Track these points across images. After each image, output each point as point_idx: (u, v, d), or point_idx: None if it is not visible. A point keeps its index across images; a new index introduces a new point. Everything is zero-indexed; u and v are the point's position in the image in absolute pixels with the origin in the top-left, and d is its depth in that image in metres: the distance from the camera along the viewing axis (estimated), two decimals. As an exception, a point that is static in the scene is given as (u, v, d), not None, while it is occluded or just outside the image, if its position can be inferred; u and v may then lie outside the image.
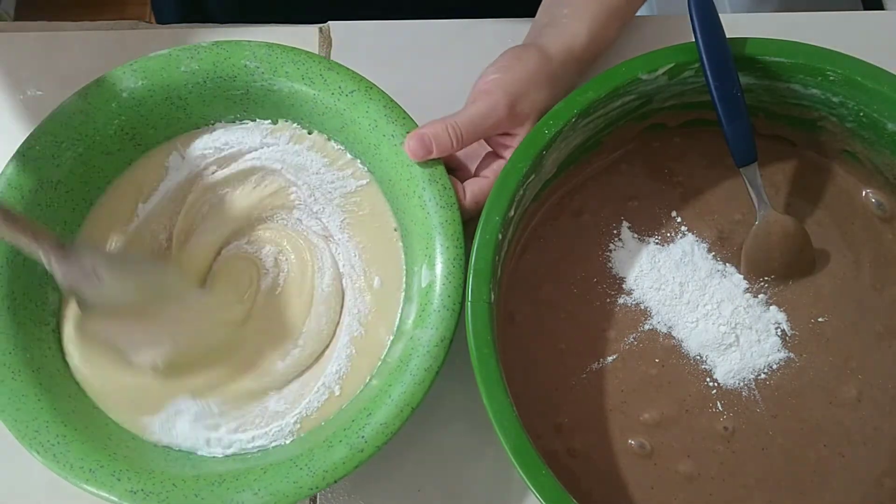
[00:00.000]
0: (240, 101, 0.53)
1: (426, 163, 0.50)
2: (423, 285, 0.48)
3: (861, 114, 0.50)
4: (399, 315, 0.51)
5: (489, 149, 0.53)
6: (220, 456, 0.49)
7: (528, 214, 0.53)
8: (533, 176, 0.49)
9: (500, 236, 0.46)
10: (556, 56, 0.52)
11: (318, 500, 0.52)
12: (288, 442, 0.49)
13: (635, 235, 0.54)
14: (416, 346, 0.47)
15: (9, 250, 0.48)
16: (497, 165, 0.51)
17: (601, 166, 0.55)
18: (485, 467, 0.52)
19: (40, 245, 0.44)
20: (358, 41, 0.62)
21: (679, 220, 0.54)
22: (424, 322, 0.47)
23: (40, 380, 0.48)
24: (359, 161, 0.54)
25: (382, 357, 0.50)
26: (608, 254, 0.54)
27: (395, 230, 0.52)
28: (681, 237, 0.54)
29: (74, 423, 0.47)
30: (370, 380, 0.50)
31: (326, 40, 0.62)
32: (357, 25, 0.63)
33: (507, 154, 0.51)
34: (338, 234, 0.53)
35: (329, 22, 0.63)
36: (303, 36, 0.62)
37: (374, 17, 0.63)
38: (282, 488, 0.45)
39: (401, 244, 0.52)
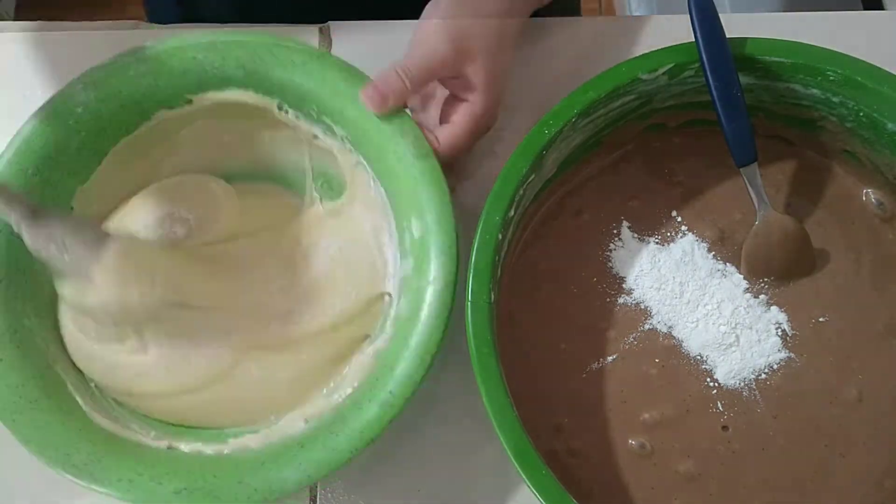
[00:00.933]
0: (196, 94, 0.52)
1: (393, 117, 0.50)
2: (416, 236, 0.48)
3: (861, 114, 0.50)
4: (391, 269, 0.52)
5: (447, 92, 0.53)
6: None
7: (528, 214, 0.53)
8: (533, 176, 0.49)
9: (500, 236, 0.46)
10: None
11: (318, 500, 0.52)
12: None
13: (635, 235, 0.54)
14: (422, 296, 0.47)
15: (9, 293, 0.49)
16: (462, 108, 0.51)
17: (601, 166, 0.55)
18: (485, 467, 0.52)
19: (12, 210, 0.44)
20: (358, 41, 0.62)
21: (679, 219, 0.54)
22: (425, 272, 0.48)
23: (60, 405, 0.48)
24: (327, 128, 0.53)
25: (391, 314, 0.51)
26: (608, 253, 0.54)
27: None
28: (681, 237, 0.54)
29: (101, 438, 0.47)
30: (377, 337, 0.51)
31: (326, 40, 0.62)
32: (357, 25, 0.63)
33: (468, 95, 0.51)
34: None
35: (329, 22, 0.63)
36: (303, 36, 0.62)
37: (375, 17, 0.63)
38: (322, 457, 0.45)
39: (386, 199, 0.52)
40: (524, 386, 0.49)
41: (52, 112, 0.50)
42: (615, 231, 0.54)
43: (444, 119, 0.52)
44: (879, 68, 0.49)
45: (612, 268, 0.53)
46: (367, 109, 0.49)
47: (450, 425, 0.53)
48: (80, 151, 0.51)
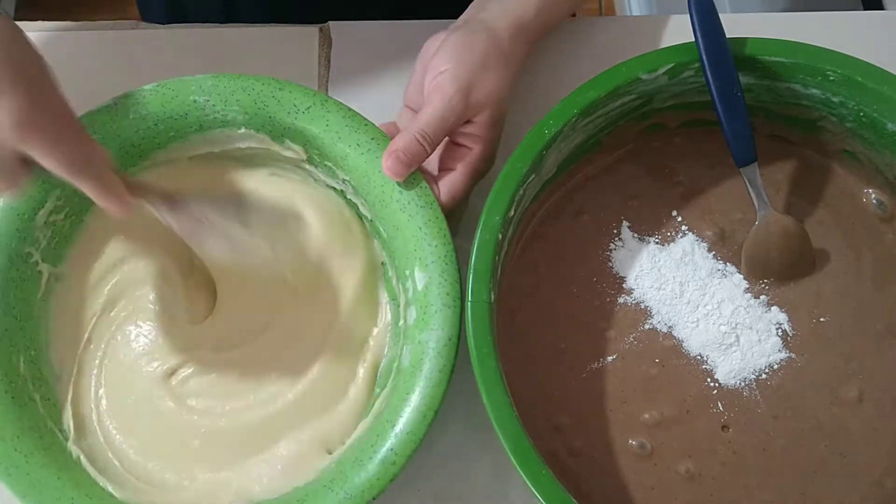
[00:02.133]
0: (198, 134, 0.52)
1: None
2: (420, 287, 0.48)
3: (861, 114, 0.50)
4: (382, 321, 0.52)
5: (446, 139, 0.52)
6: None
7: (528, 214, 0.53)
8: (533, 176, 0.49)
9: (500, 236, 0.46)
10: (504, 33, 0.51)
11: None
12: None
13: (636, 235, 0.54)
14: (425, 350, 0.47)
15: None
16: (464, 157, 0.51)
17: (601, 166, 0.55)
18: (485, 467, 0.52)
19: (151, 200, 0.46)
20: (358, 41, 0.62)
21: (679, 219, 0.54)
22: (428, 324, 0.47)
23: (55, 458, 0.48)
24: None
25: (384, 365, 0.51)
26: (608, 253, 0.54)
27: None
28: (681, 236, 0.54)
29: (99, 491, 0.47)
30: (378, 391, 0.51)
31: (326, 40, 0.62)
32: (357, 25, 0.63)
33: (469, 143, 0.50)
34: None
35: (329, 22, 0.63)
36: (303, 36, 0.62)
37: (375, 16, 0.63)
38: None
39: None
40: (524, 386, 0.49)
41: None
42: (615, 231, 0.54)
43: (444, 165, 0.52)
44: (879, 68, 0.49)
45: (612, 268, 0.53)
46: (369, 158, 0.50)
47: (450, 425, 0.53)
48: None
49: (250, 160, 0.54)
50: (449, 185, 0.50)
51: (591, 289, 0.53)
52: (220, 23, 0.65)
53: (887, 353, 0.51)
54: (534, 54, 0.61)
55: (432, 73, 0.50)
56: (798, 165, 0.55)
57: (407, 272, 0.49)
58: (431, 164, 0.53)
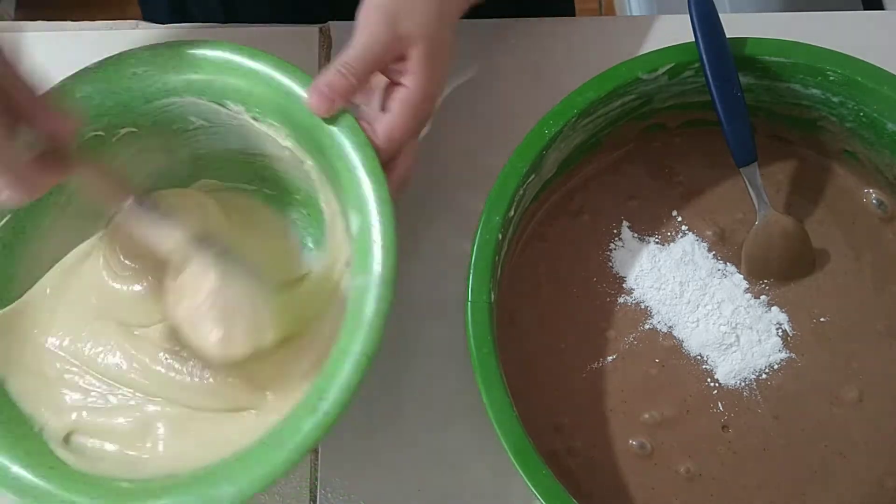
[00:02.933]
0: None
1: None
2: (355, 232, 0.46)
3: (861, 114, 0.50)
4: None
5: (386, 80, 0.50)
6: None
7: (528, 214, 0.53)
8: (533, 176, 0.49)
9: (500, 236, 0.46)
10: None
11: (318, 500, 0.52)
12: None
13: (635, 235, 0.54)
14: (363, 295, 0.44)
15: None
16: (399, 94, 0.48)
17: (601, 166, 0.55)
18: (485, 467, 0.52)
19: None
20: None
21: (679, 219, 0.54)
22: (366, 267, 0.45)
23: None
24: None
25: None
26: (608, 253, 0.54)
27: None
28: (681, 236, 0.54)
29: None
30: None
31: (326, 40, 0.62)
32: None
33: (405, 80, 0.48)
34: None
35: (329, 22, 0.63)
36: (303, 36, 0.62)
37: None
38: (259, 473, 0.43)
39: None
40: (524, 386, 0.49)
41: None
42: (615, 231, 0.54)
43: (383, 106, 0.49)
44: (879, 68, 0.49)
45: (612, 267, 0.53)
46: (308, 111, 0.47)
47: (450, 426, 0.53)
48: None
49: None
50: (385, 124, 0.47)
51: (591, 289, 0.53)
52: (221, 22, 0.65)
53: (887, 354, 0.51)
54: (533, 54, 0.61)
55: (362, 4, 0.48)
56: (798, 165, 0.55)
57: (348, 219, 0.47)
58: (374, 111, 0.50)
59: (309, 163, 0.51)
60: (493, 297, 0.46)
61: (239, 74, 0.49)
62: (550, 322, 0.52)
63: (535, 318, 0.52)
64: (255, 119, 0.50)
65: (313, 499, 0.52)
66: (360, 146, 0.47)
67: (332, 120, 0.47)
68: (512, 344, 0.51)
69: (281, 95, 0.48)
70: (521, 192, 0.48)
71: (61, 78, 0.52)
